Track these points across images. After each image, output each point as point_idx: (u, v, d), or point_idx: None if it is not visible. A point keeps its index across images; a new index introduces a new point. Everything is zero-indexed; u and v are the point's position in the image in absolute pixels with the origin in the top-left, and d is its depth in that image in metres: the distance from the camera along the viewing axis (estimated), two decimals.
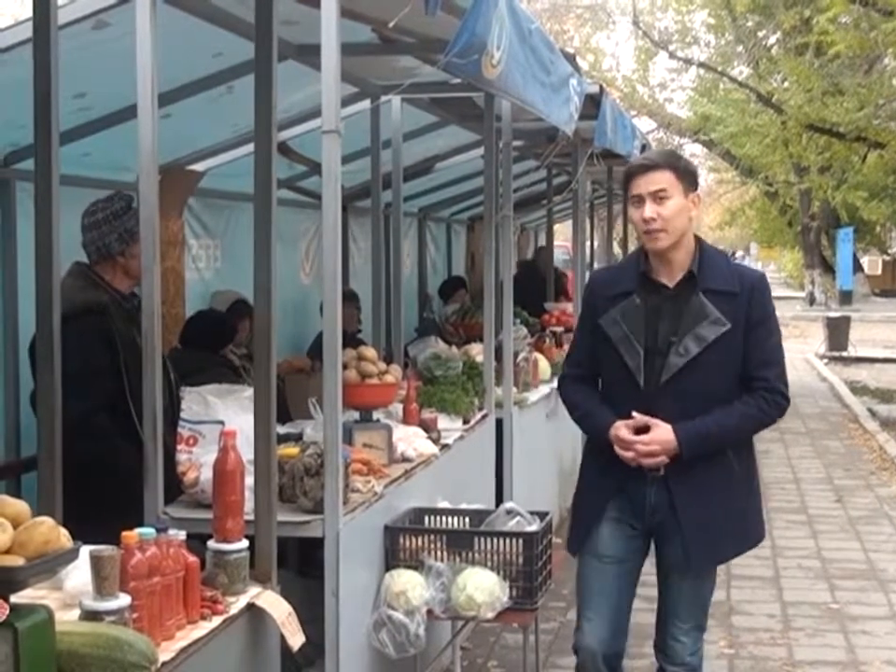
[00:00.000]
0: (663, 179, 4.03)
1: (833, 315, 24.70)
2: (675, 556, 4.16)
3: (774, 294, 4.32)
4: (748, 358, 4.06)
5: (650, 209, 4.00)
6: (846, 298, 32.52)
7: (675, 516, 4.08)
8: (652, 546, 4.30)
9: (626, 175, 4.13)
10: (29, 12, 3.39)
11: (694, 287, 4.05)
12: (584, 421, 4.33)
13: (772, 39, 28.15)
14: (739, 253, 44.25)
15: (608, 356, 4.14)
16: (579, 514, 4.36)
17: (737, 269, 4.25)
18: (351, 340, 7.17)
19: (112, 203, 4.80)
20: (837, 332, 22.62)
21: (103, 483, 4.39)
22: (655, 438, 4.01)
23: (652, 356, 4.04)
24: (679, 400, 4.01)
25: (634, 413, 4.04)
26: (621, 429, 4.05)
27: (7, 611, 2.24)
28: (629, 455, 4.04)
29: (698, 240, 4.16)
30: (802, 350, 23.68)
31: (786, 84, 24.07)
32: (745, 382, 4.09)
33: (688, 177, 4.09)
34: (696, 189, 4.13)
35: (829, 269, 35.95)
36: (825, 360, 21.65)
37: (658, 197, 4.00)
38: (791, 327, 30.72)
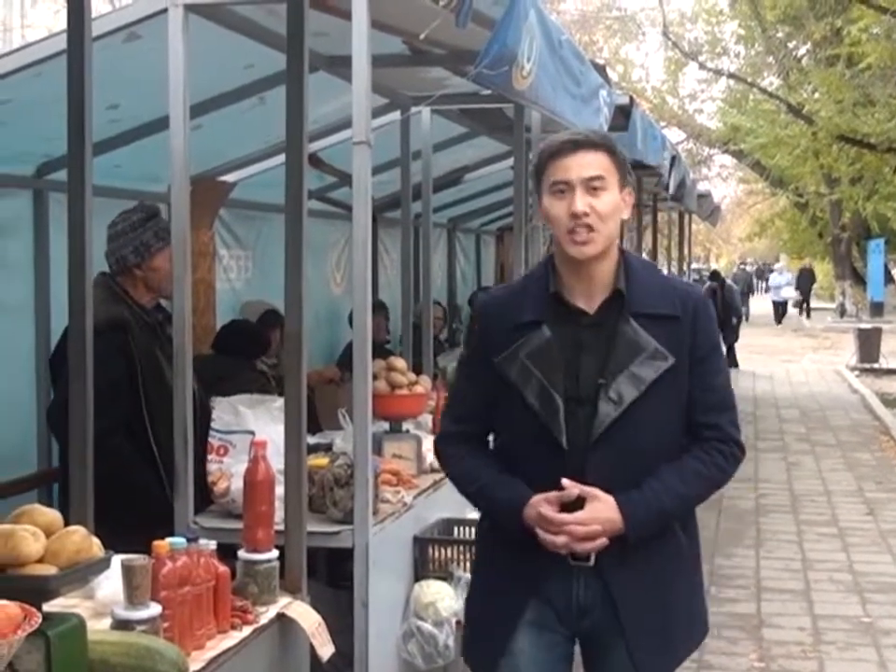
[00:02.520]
0: (600, 163, 3.07)
1: (863, 326, 24.53)
2: (617, 668, 3.16)
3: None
4: (694, 401, 3.12)
5: (581, 201, 3.01)
6: (877, 309, 32.30)
7: (614, 616, 3.10)
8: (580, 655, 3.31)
9: (547, 153, 3.11)
10: (62, 24, 3.42)
11: (622, 312, 3.08)
12: (484, 497, 3.23)
13: (802, 50, 28.10)
14: (778, 265, 43.65)
15: (510, 407, 3.11)
16: (481, 623, 3.29)
17: (673, 285, 3.27)
18: (380, 350, 7.18)
19: (131, 214, 4.76)
20: (868, 344, 22.49)
21: (115, 503, 4.38)
22: (595, 515, 3.00)
23: (574, 405, 3.04)
24: (615, 462, 3.03)
25: (564, 482, 3.00)
26: (543, 506, 3.02)
27: (40, 620, 2.25)
28: (559, 540, 3.01)
29: (622, 251, 3.20)
30: (832, 362, 23.61)
31: (816, 95, 23.99)
32: (690, 431, 3.15)
33: (624, 166, 3.15)
34: (628, 183, 3.18)
35: (860, 280, 35.76)
36: (856, 372, 21.53)
37: (592, 187, 3.03)
38: (822, 338, 30.62)
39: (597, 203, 3.03)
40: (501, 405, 3.15)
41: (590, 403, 3.04)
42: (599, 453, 3.02)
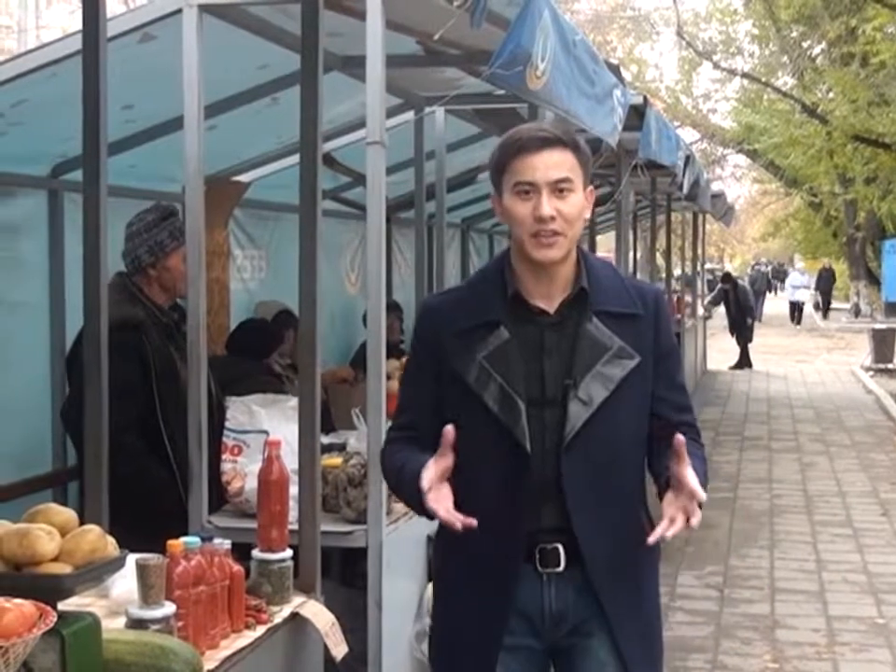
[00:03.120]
0: (566, 163, 2.90)
1: (878, 326, 24.45)
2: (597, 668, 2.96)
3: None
4: (659, 401, 3.01)
5: (548, 205, 2.85)
6: (891, 309, 32.18)
7: (599, 614, 2.92)
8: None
9: (511, 148, 2.94)
10: (77, 25, 3.43)
11: (584, 311, 2.95)
12: (399, 484, 2.98)
13: (817, 49, 28.07)
14: (800, 265, 43.27)
15: (467, 413, 2.90)
16: (454, 650, 3.04)
17: (632, 283, 3.16)
18: (394, 350, 7.19)
19: (147, 214, 4.79)
20: (883, 344, 22.42)
21: (128, 500, 4.38)
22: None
23: (539, 409, 2.88)
24: (591, 464, 2.89)
25: (447, 428, 2.73)
26: (429, 468, 2.73)
27: (55, 619, 2.26)
28: (437, 509, 2.71)
29: (579, 249, 3.05)
30: (847, 362, 23.55)
31: (831, 94, 23.97)
32: (659, 430, 2.99)
33: (588, 163, 2.99)
34: (590, 180, 3.02)
35: (874, 280, 35.65)
36: (870, 372, 21.47)
37: (559, 188, 2.87)
38: (837, 338, 30.54)
39: (564, 207, 2.87)
40: (456, 411, 2.90)
41: (557, 405, 2.89)
42: (574, 455, 2.86)
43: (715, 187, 17.09)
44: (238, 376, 5.71)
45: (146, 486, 4.45)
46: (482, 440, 2.90)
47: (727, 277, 24.41)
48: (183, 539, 2.95)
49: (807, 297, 39.81)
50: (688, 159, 9.39)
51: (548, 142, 2.89)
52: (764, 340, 26.87)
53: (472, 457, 2.87)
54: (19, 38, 22.38)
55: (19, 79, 4.45)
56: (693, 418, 3.09)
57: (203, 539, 3.03)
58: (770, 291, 47.54)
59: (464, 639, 2.98)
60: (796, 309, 38.06)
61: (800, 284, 38.77)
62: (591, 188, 3.01)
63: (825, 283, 41.25)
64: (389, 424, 3.25)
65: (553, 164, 2.87)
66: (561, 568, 2.90)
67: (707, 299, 23.79)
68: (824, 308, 40.66)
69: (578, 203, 2.91)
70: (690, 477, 2.71)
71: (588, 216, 3.01)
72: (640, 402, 2.98)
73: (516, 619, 2.93)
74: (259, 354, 6.58)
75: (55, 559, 2.50)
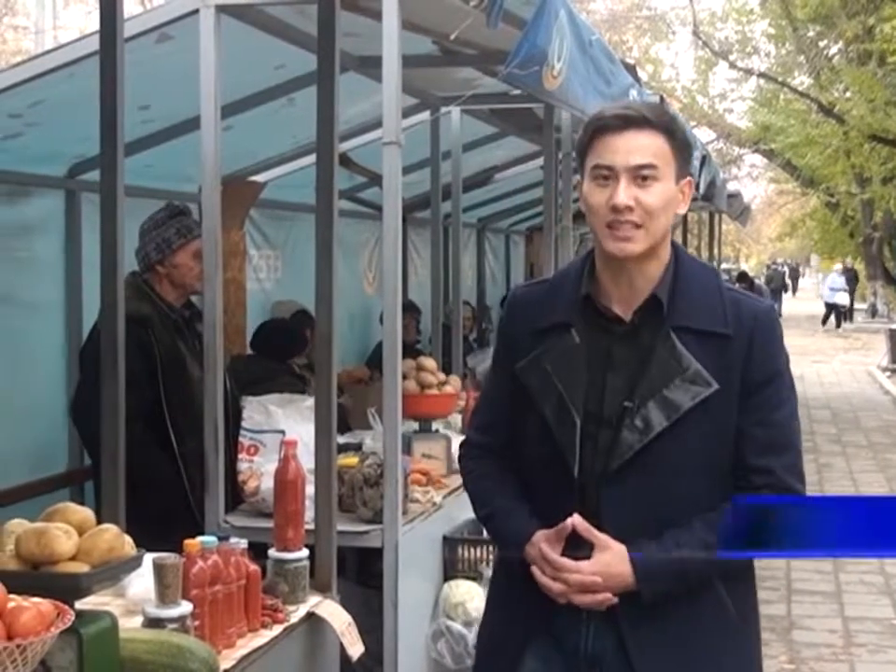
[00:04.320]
0: (653, 148, 2.55)
1: (895, 327, 24.39)
2: None
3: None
4: (743, 439, 2.57)
5: (625, 193, 2.52)
6: None
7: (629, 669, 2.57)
8: None
9: (592, 128, 2.61)
10: (95, 26, 3.44)
11: (661, 323, 2.59)
12: (494, 525, 2.81)
13: (833, 49, 27.95)
14: (838, 266, 42.09)
15: (526, 421, 2.68)
16: (488, 652, 2.87)
17: (733, 297, 2.67)
18: (410, 350, 7.19)
19: (157, 213, 4.83)
20: None
21: (134, 492, 4.38)
22: (600, 568, 2.52)
23: (595, 427, 2.57)
24: (635, 502, 2.55)
25: (575, 518, 2.54)
26: (542, 544, 2.57)
27: (73, 617, 2.26)
28: (556, 586, 2.55)
29: (675, 248, 2.69)
30: (864, 362, 23.47)
31: (848, 94, 23.89)
32: (737, 475, 2.58)
33: (685, 151, 2.64)
34: (689, 170, 2.71)
35: (891, 280, 35.54)
36: (887, 373, 21.40)
37: (642, 175, 2.53)
38: (853, 339, 30.45)
39: (645, 196, 2.52)
40: (518, 418, 2.70)
41: (612, 428, 2.56)
42: (617, 489, 2.54)
43: (731, 187, 17.03)
44: (262, 376, 5.73)
45: (149, 473, 4.44)
46: (535, 454, 2.67)
47: (743, 276, 24.35)
48: (200, 539, 2.95)
49: (847, 299, 39.17)
50: (704, 159, 9.37)
51: (632, 121, 2.54)
52: None
53: (528, 471, 2.70)
54: (36, 39, 22.42)
55: (36, 80, 4.47)
56: (780, 464, 2.57)
57: (220, 539, 3.04)
58: (786, 291, 47.22)
59: (498, 636, 2.79)
60: (833, 311, 36.88)
61: (839, 286, 38.07)
62: (689, 178, 2.66)
63: (848, 284, 40.90)
64: (472, 414, 3.04)
65: (635, 148, 2.53)
66: (602, 608, 2.56)
67: None
68: (849, 308, 40.28)
69: (663, 193, 2.54)
70: (584, 564, 2.53)
71: (683, 210, 2.66)
72: (712, 437, 2.56)
73: (551, 648, 2.66)
74: (285, 355, 6.60)
75: (72, 558, 2.50)
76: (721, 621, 2.59)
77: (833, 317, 36.80)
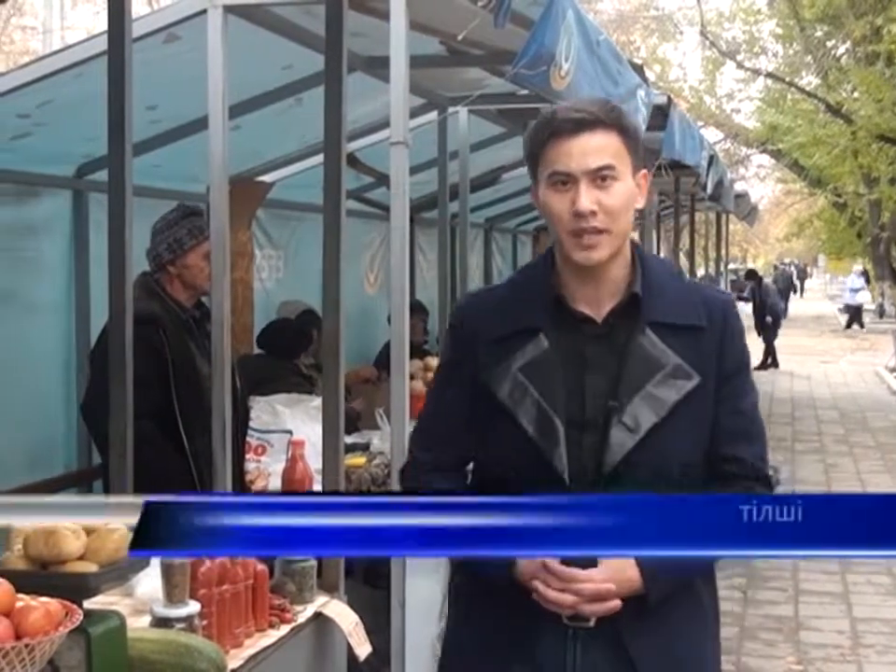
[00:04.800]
0: (608, 148, 2.47)
1: None
2: None
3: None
4: (715, 427, 2.56)
5: (586, 197, 2.43)
6: None
7: None
8: None
9: (542, 132, 2.52)
10: (103, 26, 3.44)
11: (637, 321, 2.54)
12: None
13: (841, 49, 27.92)
14: (857, 267, 41.29)
15: (499, 434, 2.55)
16: None
17: (698, 289, 2.74)
18: (417, 351, 7.20)
19: (169, 213, 4.83)
20: None
21: (144, 489, 4.40)
22: (611, 574, 2.42)
23: (578, 431, 2.49)
24: None
25: None
26: (549, 559, 2.42)
27: (81, 617, 2.27)
28: (567, 599, 2.41)
29: (634, 246, 2.65)
30: (871, 363, 23.43)
31: (856, 94, 23.86)
32: (710, 464, 2.57)
33: (638, 144, 2.56)
34: (643, 161, 2.61)
35: None
36: (895, 374, 21.37)
37: (601, 177, 2.45)
38: (860, 339, 30.41)
39: (606, 198, 2.44)
40: (487, 431, 2.55)
41: (597, 430, 2.48)
42: (612, 490, 2.44)
43: (739, 187, 17.05)
44: (270, 376, 5.73)
45: (161, 473, 4.45)
46: (514, 466, 2.51)
47: (752, 274, 24.35)
48: None
49: (868, 298, 38.82)
50: (712, 159, 9.38)
51: (584, 124, 2.46)
52: (788, 340, 26.76)
53: (504, 486, 2.49)
54: (44, 39, 22.44)
55: (44, 80, 4.48)
56: (751, 453, 2.58)
57: None
58: (794, 292, 47.13)
59: (476, 662, 2.60)
60: (853, 312, 36.55)
61: (860, 286, 37.80)
62: (644, 171, 2.58)
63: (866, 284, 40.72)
64: (412, 427, 2.83)
65: (591, 150, 2.45)
66: (592, 623, 2.46)
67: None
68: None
69: (624, 192, 2.47)
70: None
71: (641, 205, 2.58)
72: (699, 429, 2.54)
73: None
74: (291, 353, 6.62)
75: (81, 558, 2.51)
76: (695, 616, 2.60)
77: (858, 318, 36.45)
